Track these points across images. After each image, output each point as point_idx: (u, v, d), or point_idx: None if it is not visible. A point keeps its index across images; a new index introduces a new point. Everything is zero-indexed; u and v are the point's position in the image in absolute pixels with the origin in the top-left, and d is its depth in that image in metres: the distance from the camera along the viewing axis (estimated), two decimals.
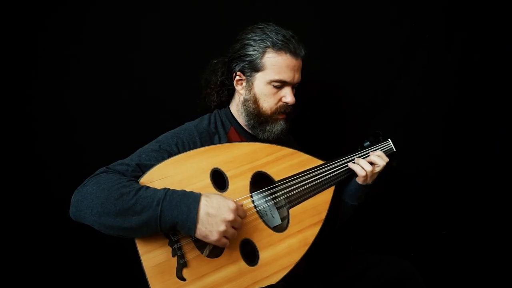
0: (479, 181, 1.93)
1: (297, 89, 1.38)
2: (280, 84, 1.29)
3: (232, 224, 1.06)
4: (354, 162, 1.38)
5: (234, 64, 1.34)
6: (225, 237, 1.05)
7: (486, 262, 1.95)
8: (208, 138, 1.28)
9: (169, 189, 1.06)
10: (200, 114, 1.41)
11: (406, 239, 1.95)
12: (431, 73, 1.85)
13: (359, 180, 1.39)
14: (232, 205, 1.06)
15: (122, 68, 1.64)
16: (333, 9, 1.78)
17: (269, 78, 1.28)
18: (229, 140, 1.33)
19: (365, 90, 1.85)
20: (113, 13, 1.61)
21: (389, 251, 1.84)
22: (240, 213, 1.09)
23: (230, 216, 1.04)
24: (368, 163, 1.36)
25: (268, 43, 1.27)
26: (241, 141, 1.35)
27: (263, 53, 1.27)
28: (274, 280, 1.15)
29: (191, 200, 1.04)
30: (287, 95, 1.31)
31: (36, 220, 1.61)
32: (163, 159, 1.14)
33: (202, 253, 1.10)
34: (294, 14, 1.73)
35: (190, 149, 1.20)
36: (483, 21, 1.82)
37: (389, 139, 1.48)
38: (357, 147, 1.46)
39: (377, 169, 1.37)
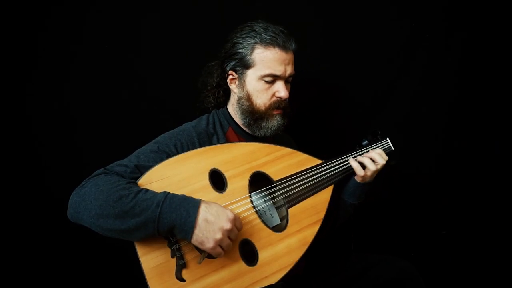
0: (479, 181, 1.93)
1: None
2: (272, 79, 1.29)
3: (229, 233, 1.06)
4: (355, 160, 1.38)
5: (226, 64, 1.35)
6: (220, 247, 1.05)
7: (486, 262, 1.94)
8: (206, 139, 1.28)
9: (169, 192, 1.06)
10: (199, 115, 1.41)
11: (406, 239, 1.95)
12: (431, 73, 1.85)
13: (358, 179, 1.39)
14: (230, 215, 1.06)
15: (122, 68, 1.64)
16: (333, 9, 1.78)
17: (260, 73, 1.28)
18: (227, 141, 1.33)
19: (365, 90, 1.85)
20: (113, 13, 1.61)
21: (389, 251, 1.84)
22: (237, 224, 1.09)
23: (227, 225, 1.04)
24: (369, 159, 1.36)
25: (257, 39, 1.27)
26: (240, 141, 1.35)
27: (252, 49, 1.28)
28: (273, 280, 1.15)
29: (191, 205, 1.04)
30: (280, 90, 1.30)
31: (36, 220, 1.61)
32: (161, 160, 1.14)
33: (200, 254, 1.10)
34: (294, 14, 1.73)
35: (188, 150, 1.20)
36: (483, 21, 1.82)
37: (387, 138, 1.48)
38: (355, 146, 1.46)
39: (377, 167, 1.36)
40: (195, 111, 1.47)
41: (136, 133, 1.47)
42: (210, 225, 1.03)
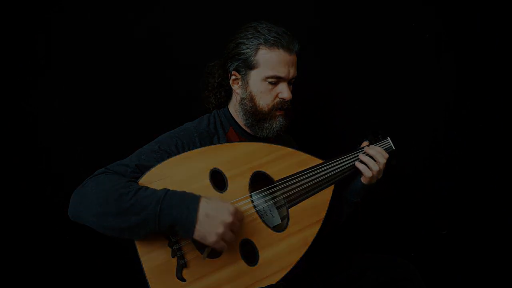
0: (479, 181, 1.93)
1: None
2: (276, 80, 1.29)
3: (231, 227, 1.06)
4: (360, 161, 1.37)
5: (229, 64, 1.34)
6: (223, 240, 1.05)
7: (486, 262, 1.94)
8: (207, 139, 1.28)
9: (169, 189, 1.06)
10: (200, 115, 1.41)
11: (406, 239, 1.95)
12: (431, 73, 1.85)
13: (364, 180, 1.38)
14: (231, 208, 1.06)
15: (122, 68, 1.64)
16: (334, 9, 1.78)
17: (264, 74, 1.28)
18: (228, 140, 1.33)
19: (365, 90, 1.85)
20: (113, 13, 1.61)
21: (389, 251, 1.84)
22: (238, 216, 1.09)
23: (229, 219, 1.04)
24: (372, 160, 1.36)
25: (261, 40, 1.27)
26: (240, 141, 1.35)
27: (256, 50, 1.27)
28: (274, 280, 1.15)
29: (191, 201, 1.04)
30: (284, 91, 1.30)
31: (36, 221, 1.62)
32: (162, 159, 1.14)
33: (202, 254, 1.10)
34: (294, 14, 1.73)
35: (189, 149, 1.20)
36: (483, 21, 1.82)
37: (388, 138, 1.48)
38: (356, 146, 1.45)
39: (380, 166, 1.36)
40: (196, 111, 1.47)
41: (136, 133, 1.47)
42: (211, 219, 1.03)
